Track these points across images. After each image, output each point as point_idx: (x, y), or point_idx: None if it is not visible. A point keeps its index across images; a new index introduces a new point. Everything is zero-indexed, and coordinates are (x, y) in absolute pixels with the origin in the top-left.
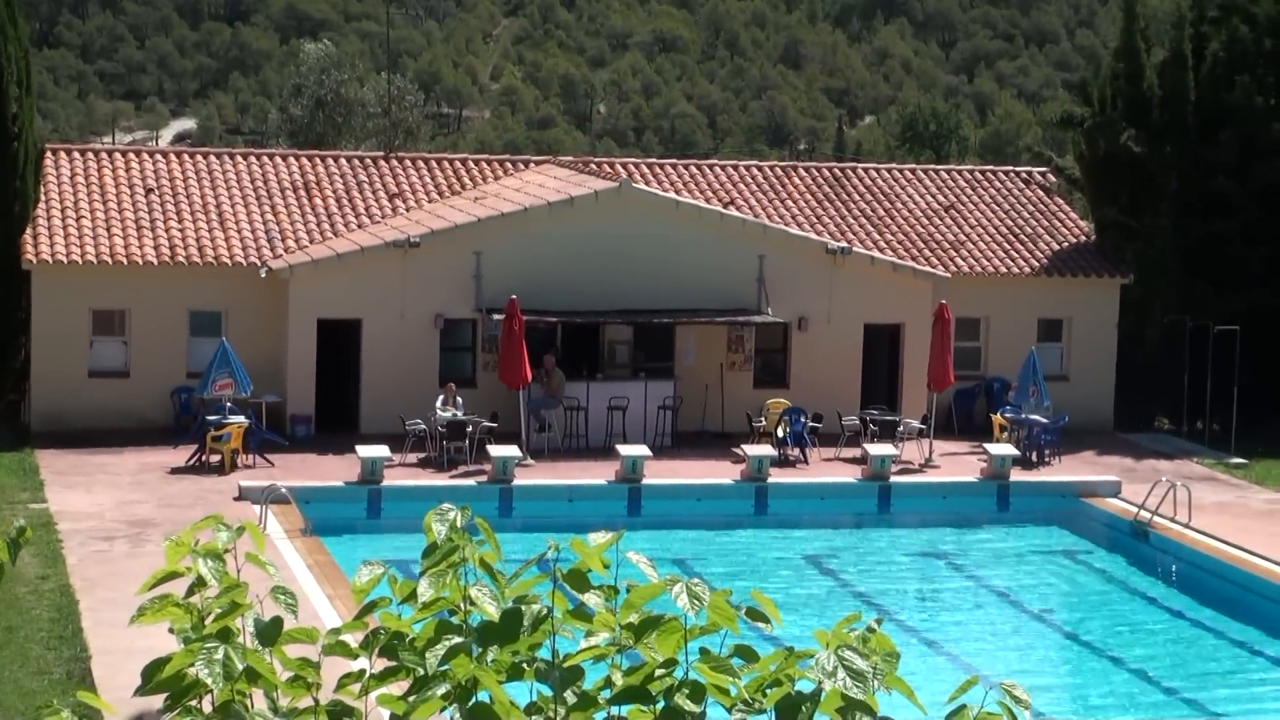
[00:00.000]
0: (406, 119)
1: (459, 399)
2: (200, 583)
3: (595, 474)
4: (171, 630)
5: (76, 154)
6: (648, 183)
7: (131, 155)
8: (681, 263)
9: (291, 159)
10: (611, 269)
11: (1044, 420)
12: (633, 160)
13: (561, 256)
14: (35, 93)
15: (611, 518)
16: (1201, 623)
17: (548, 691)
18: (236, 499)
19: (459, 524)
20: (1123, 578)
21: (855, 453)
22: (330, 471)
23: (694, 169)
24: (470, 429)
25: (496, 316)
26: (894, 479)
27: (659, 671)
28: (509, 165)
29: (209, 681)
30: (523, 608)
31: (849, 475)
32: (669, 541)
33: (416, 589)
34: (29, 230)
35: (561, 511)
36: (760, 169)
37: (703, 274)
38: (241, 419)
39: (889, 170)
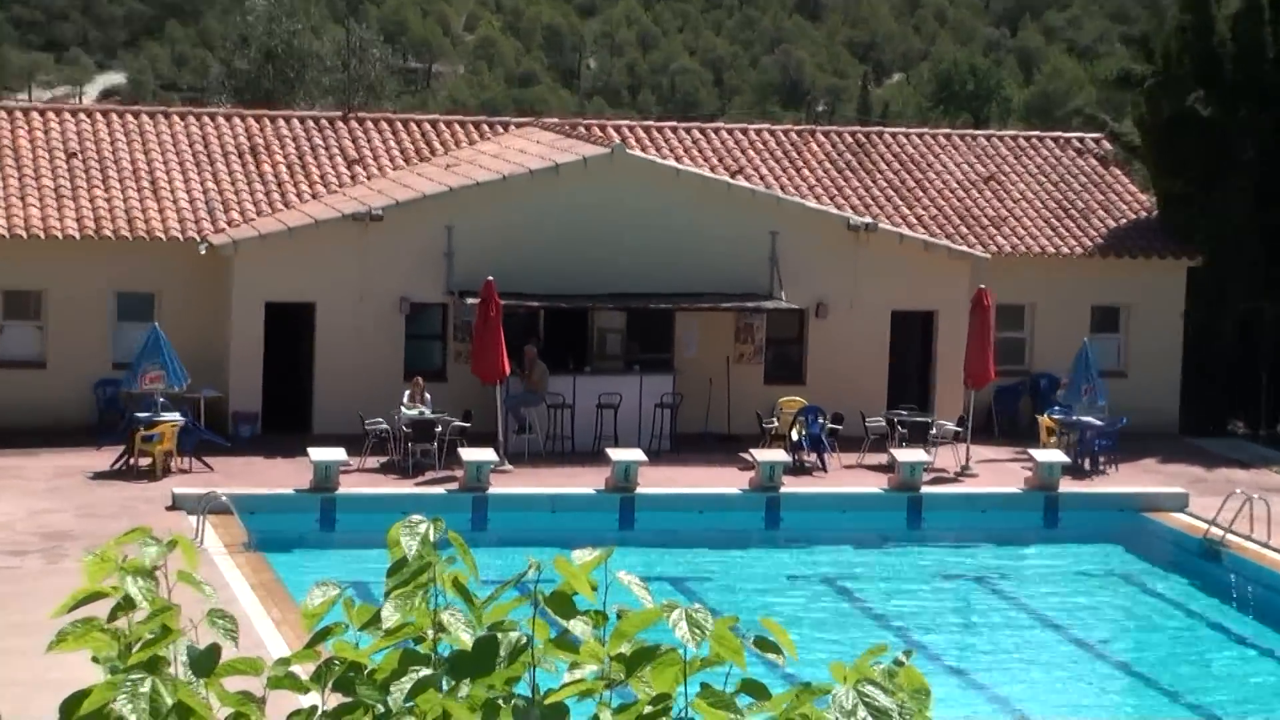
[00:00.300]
0: (368, 74)
1: (426, 395)
2: (126, 604)
3: (582, 481)
4: (95, 659)
5: None
6: (644, 148)
7: (51, 114)
8: (683, 240)
9: (236, 119)
10: (603, 247)
11: (1098, 423)
12: (627, 122)
13: (545, 232)
14: None
15: (601, 532)
16: None
17: None
18: (169, 508)
19: (431, 539)
20: (1190, 604)
21: (881, 459)
22: (278, 477)
23: (697, 133)
24: (439, 429)
25: (470, 301)
26: (925, 489)
27: (652, 709)
28: (485, 128)
29: (132, 719)
30: (499, 636)
31: (874, 485)
32: (667, 560)
33: (380, 613)
34: None
35: (544, 525)
36: (773, 133)
37: (707, 253)
38: (175, 417)
39: (920, 135)
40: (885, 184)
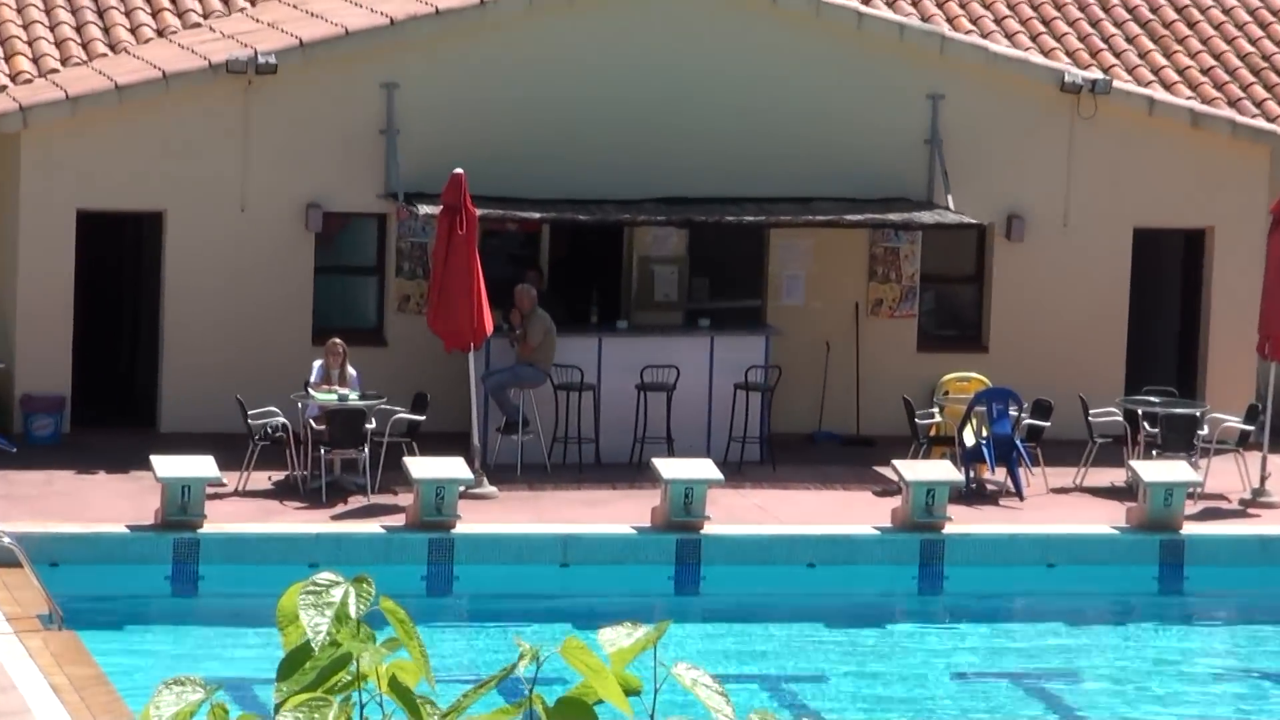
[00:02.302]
0: None
1: (351, 370)
2: None
3: (613, 514)
4: None
5: None
6: None
7: None
8: (780, 110)
9: None
10: (646, 122)
11: None
12: None
13: (551, 96)
14: None
15: (645, 598)
16: None
17: None
18: None
19: (351, 611)
20: None
21: (1114, 477)
22: (102, 506)
23: None
24: (372, 425)
25: (426, 211)
26: (1190, 528)
27: None
28: None
29: None
30: None
31: (1102, 522)
32: (754, 644)
33: None
34: None
35: (548, 585)
36: None
37: (821, 132)
38: None
39: None
40: (1125, 13)
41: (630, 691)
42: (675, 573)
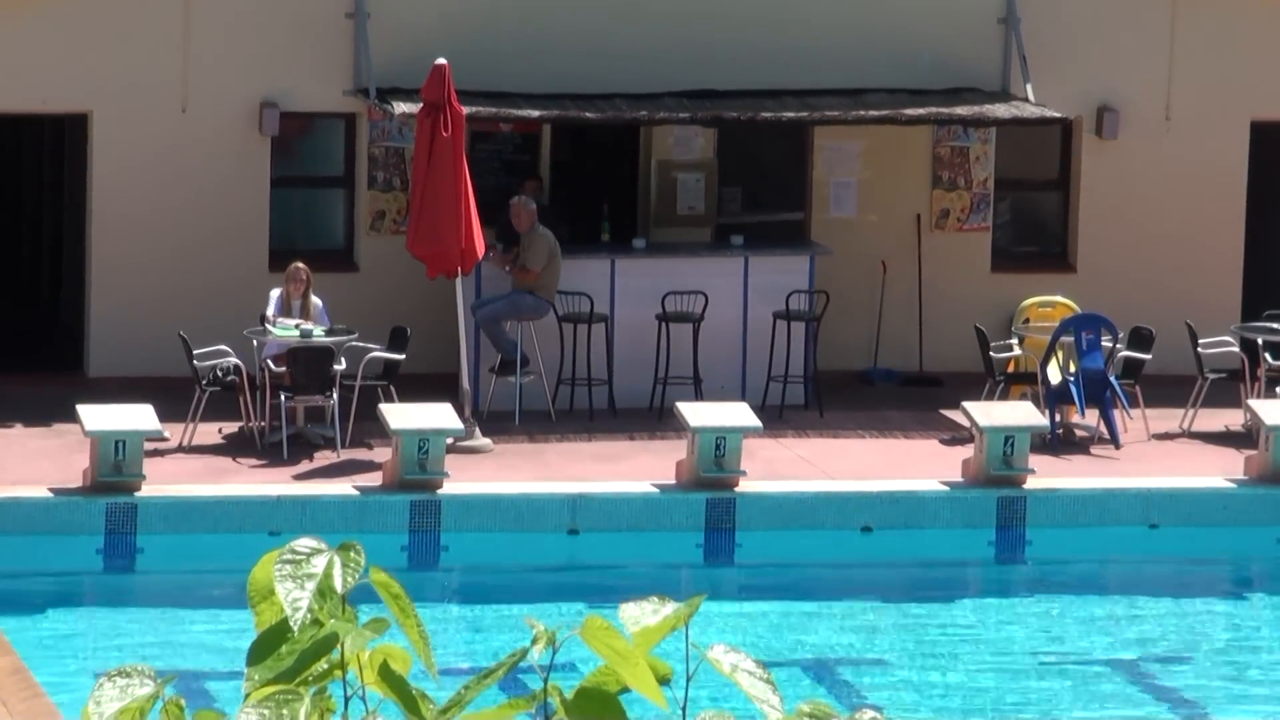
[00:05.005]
0: None
1: (316, 299)
2: None
3: (631, 470)
4: None
5: None
6: None
7: None
8: None
9: None
10: (664, 1)
11: None
12: None
13: None
14: None
15: (668, 570)
16: None
17: None
18: None
19: (337, 584)
20: None
21: (1230, 420)
22: (18, 465)
23: None
24: (339, 366)
25: (403, 109)
26: None
27: None
28: None
29: None
30: None
31: (1215, 472)
32: (801, 622)
33: None
34: None
35: (555, 553)
36: None
37: (874, 10)
38: None
39: None
40: None
41: (660, 680)
42: (705, 539)
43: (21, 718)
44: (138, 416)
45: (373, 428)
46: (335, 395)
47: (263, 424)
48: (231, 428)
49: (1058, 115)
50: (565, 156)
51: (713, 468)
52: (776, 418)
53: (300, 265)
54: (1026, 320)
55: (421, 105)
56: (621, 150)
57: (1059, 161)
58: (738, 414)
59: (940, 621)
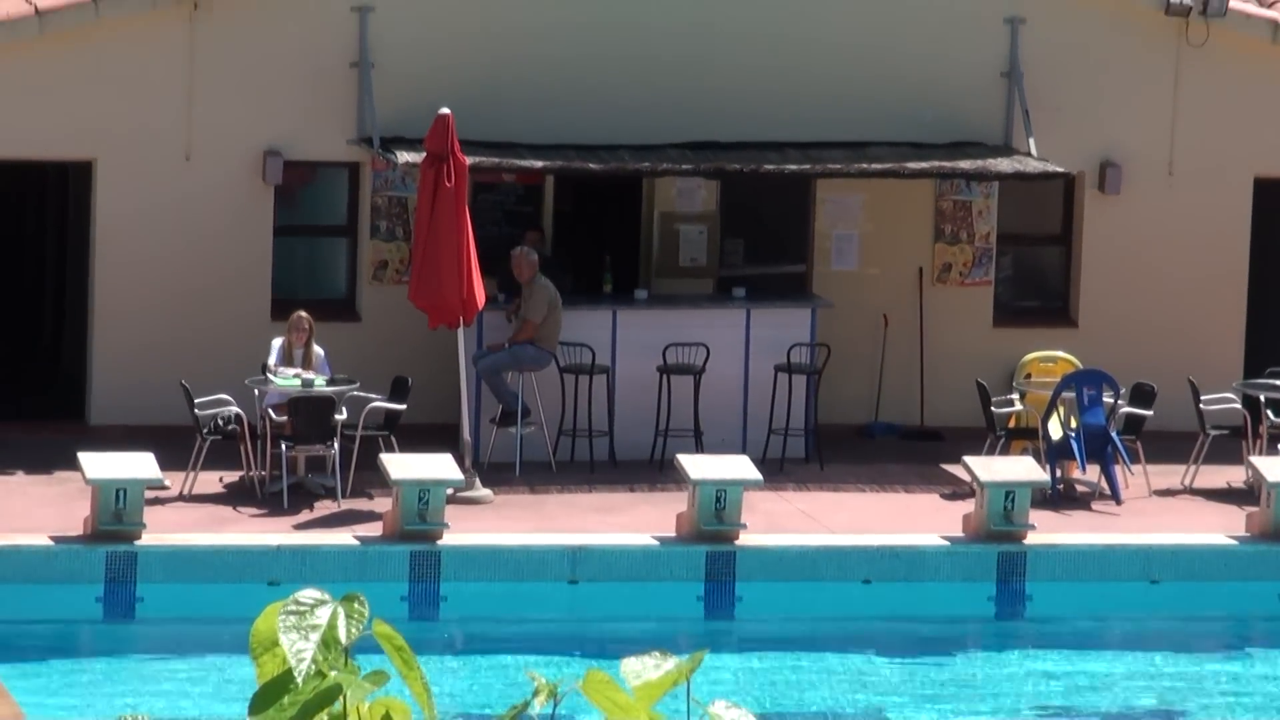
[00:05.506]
0: None
1: (318, 349)
2: None
3: (630, 522)
4: None
5: None
6: None
7: None
8: (828, 37)
9: None
10: (666, 52)
11: None
12: None
13: (553, 21)
14: None
15: (668, 623)
16: None
17: None
18: None
19: (341, 635)
20: None
21: (1231, 476)
22: (19, 513)
23: None
24: (342, 416)
25: (407, 159)
26: None
27: None
28: None
29: None
30: None
31: (1216, 529)
32: (801, 676)
33: None
34: None
35: (556, 606)
36: None
37: (878, 64)
38: None
39: None
40: None
41: None
42: (705, 592)
43: None
44: (139, 465)
45: (373, 477)
46: (336, 445)
47: (263, 473)
48: (232, 477)
49: (1060, 170)
50: (568, 207)
51: (713, 521)
52: (777, 470)
53: (303, 314)
54: (1028, 375)
55: (425, 155)
56: (624, 201)
57: (1062, 216)
58: (738, 467)
59: (940, 676)
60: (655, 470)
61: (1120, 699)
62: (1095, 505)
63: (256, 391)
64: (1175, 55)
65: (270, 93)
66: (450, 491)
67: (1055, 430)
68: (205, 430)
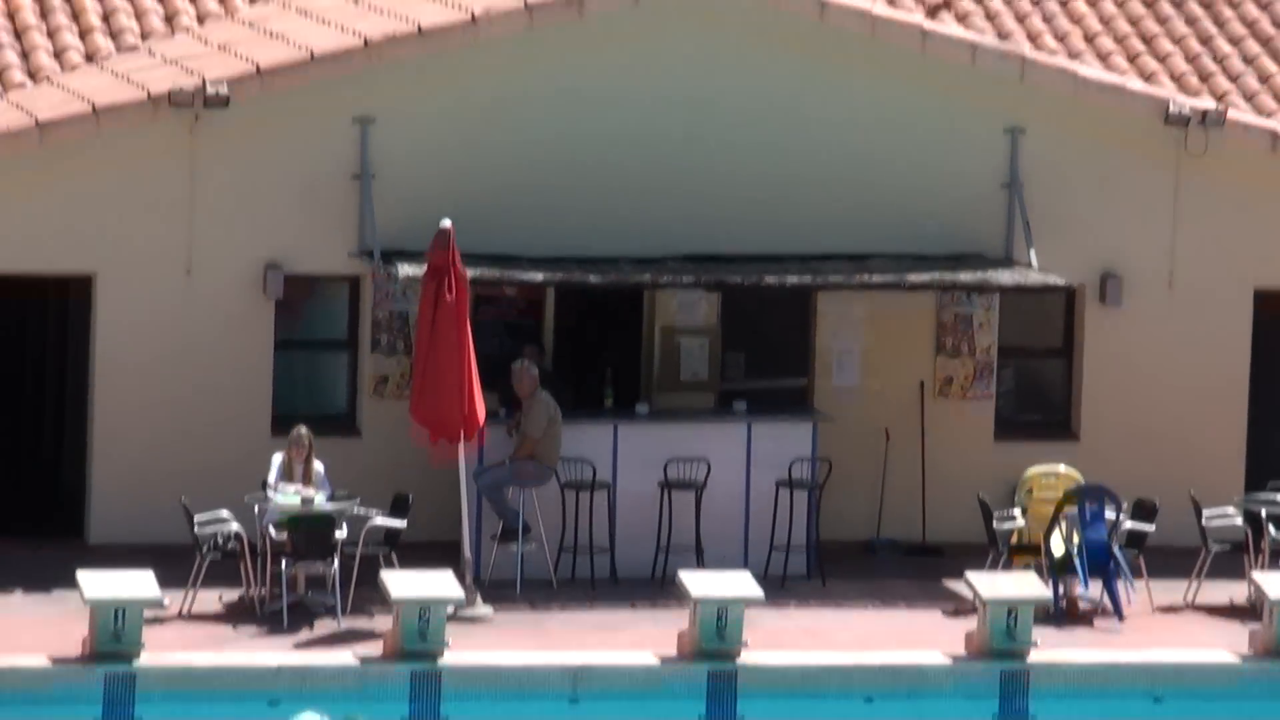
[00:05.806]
0: None
1: (318, 465)
2: None
3: (632, 640)
4: None
5: None
6: None
7: None
8: (828, 150)
9: None
10: (667, 166)
11: None
12: None
13: (553, 135)
14: None
15: None
16: None
17: None
18: None
19: None
20: None
21: (1234, 593)
22: (16, 633)
23: None
24: (343, 534)
25: (407, 272)
26: None
27: None
28: None
29: None
30: None
31: (1220, 645)
32: None
33: None
34: None
35: None
36: None
37: (878, 176)
38: None
39: None
40: (1242, 29)
41: None
42: (707, 710)
43: None
44: (137, 584)
45: (374, 594)
46: (336, 563)
47: (263, 591)
48: (232, 595)
49: (1061, 282)
50: (569, 320)
51: (715, 639)
52: (779, 587)
53: (303, 430)
54: (1030, 490)
55: (426, 268)
56: (625, 315)
57: (1063, 328)
58: (740, 584)
59: None
60: (657, 587)
61: None
62: (1098, 622)
63: (256, 509)
64: (1175, 165)
65: (271, 205)
66: (450, 610)
67: (1058, 546)
68: (204, 548)
